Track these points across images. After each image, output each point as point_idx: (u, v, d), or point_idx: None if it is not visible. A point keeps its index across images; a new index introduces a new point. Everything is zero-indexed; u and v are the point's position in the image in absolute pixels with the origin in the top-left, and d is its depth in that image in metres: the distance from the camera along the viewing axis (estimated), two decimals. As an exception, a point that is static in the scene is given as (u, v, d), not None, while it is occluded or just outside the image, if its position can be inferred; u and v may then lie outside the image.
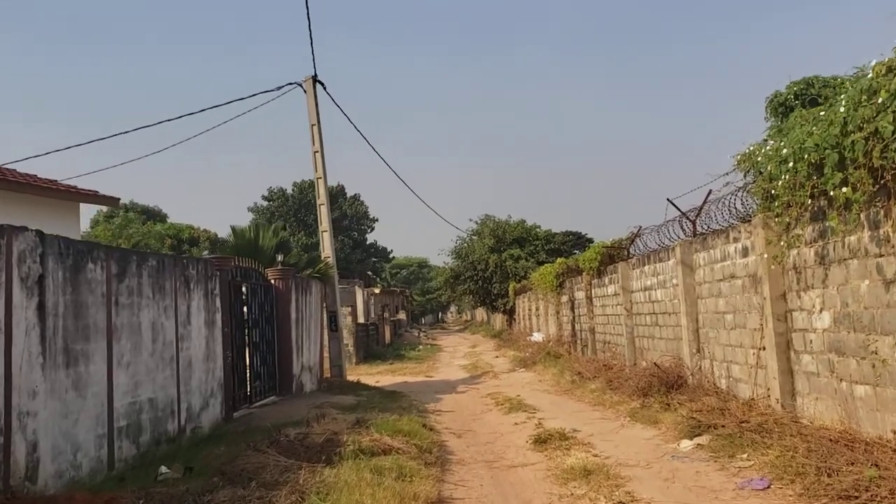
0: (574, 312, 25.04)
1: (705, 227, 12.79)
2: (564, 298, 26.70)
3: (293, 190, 74.04)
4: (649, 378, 13.40)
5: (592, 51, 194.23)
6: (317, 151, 20.35)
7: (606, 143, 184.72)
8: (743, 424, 9.12)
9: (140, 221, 57.71)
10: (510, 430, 12.23)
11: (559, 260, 27.22)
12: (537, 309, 34.73)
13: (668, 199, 13.62)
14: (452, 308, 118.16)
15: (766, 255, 9.58)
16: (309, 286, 18.41)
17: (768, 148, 8.82)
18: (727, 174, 10.62)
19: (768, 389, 9.98)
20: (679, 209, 13.54)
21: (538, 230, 49.73)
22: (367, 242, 77.76)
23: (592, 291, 21.94)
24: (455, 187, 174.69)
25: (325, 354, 20.72)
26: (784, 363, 9.53)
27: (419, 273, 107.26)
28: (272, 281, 16.51)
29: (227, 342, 12.77)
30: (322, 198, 20.41)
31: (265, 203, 74.21)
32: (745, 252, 10.86)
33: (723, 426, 9.34)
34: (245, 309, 14.84)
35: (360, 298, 45.25)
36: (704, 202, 12.91)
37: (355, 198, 74.64)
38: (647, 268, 16.26)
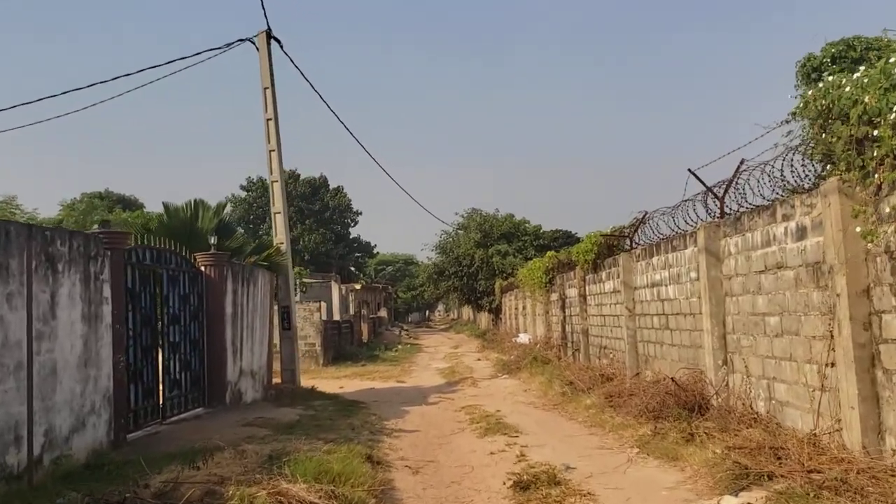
0: (565, 312, 22.26)
1: (738, 205, 10.01)
2: (554, 296, 23.93)
3: (274, 180, 70.99)
4: (662, 396, 10.60)
5: (583, 50, 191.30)
6: (270, 119, 17.45)
7: (599, 143, 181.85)
8: (813, 476, 6.31)
9: (107, 209, 54.64)
10: (484, 461, 9.40)
11: (549, 253, 24.45)
12: (524, 308, 31.96)
13: (689, 171, 10.83)
14: (440, 306, 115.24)
15: (844, 234, 6.79)
16: (253, 276, 15.51)
17: (860, 73, 6.02)
18: (786, 122, 7.83)
19: (839, 422, 7.19)
20: (703, 182, 10.74)
21: (527, 225, 47.03)
22: (351, 237, 74.81)
23: (587, 288, 19.16)
24: (444, 186, 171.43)
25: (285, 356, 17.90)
26: (867, 387, 6.74)
27: (405, 270, 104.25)
28: (202, 268, 13.60)
29: (119, 342, 9.87)
30: (275, 174, 17.52)
31: (244, 193, 71.10)
32: (801, 233, 8.07)
33: (782, 476, 6.52)
34: (160, 301, 11.96)
35: (336, 294, 42.44)
36: (736, 173, 10.13)
37: (338, 190, 71.62)
38: (655, 259, 13.47)
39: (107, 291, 9.64)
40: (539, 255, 31.30)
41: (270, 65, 17.45)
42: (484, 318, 51.87)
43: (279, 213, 17.53)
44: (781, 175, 8.25)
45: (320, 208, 69.66)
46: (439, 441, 11.02)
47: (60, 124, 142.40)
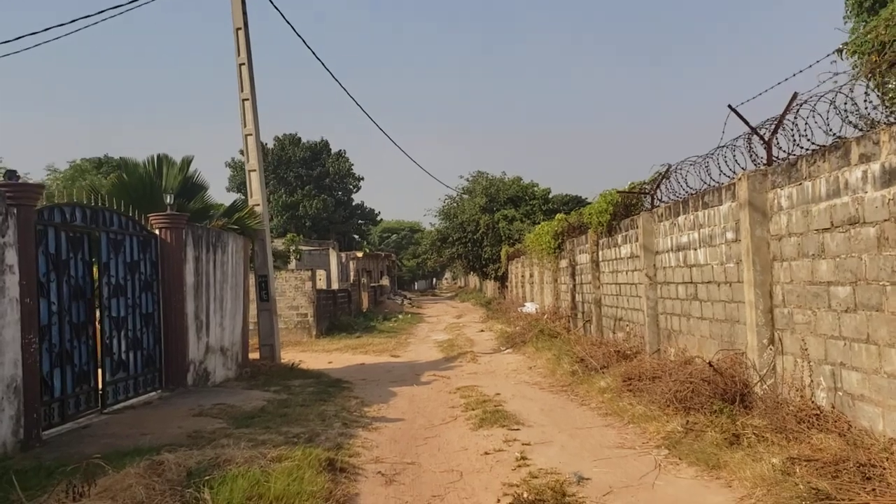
0: (575, 280, 20.43)
1: (790, 148, 8.07)
2: (563, 263, 22.07)
3: (274, 144, 68.86)
4: (694, 382, 8.76)
5: (593, 16, 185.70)
6: (243, 64, 15.49)
7: (611, 106, 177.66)
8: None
9: (104, 175, 52.67)
10: (476, 465, 7.61)
11: (558, 216, 22.51)
12: (531, 276, 30.14)
13: (729, 107, 8.83)
14: (447, 274, 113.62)
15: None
16: (222, 241, 13.68)
17: None
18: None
19: (948, 429, 5.34)
20: (746, 121, 8.76)
21: (535, 189, 44.99)
22: (353, 203, 72.84)
23: (600, 254, 17.28)
24: (450, 152, 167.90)
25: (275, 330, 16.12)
26: None
27: (411, 237, 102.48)
28: (156, 231, 11.79)
29: (30, 320, 8.07)
30: (249, 126, 15.59)
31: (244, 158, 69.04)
32: (889, 178, 6.14)
33: (882, 511, 4.70)
34: (100, 269, 10.17)
35: (335, 262, 40.72)
36: (788, 109, 8.19)
37: (339, 154, 69.50)
38: (682, 219, 11.57)
39: (11, 258, 7.82)
40: (548, 220, 29.43)
41: (243, 2, 15.47)
42: (490, 287, 50.17)
43: (254, 170, 15.66)
44: (870, 94, 6.28)
45: (320, 174, 67.61)
46: (425, 434, 9.24)
47: (61, 88, 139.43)
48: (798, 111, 7.89)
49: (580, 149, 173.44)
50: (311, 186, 66.36)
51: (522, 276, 33.14)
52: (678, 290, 11.87)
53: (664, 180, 12.98)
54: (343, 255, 45.22)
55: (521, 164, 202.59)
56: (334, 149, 69.95)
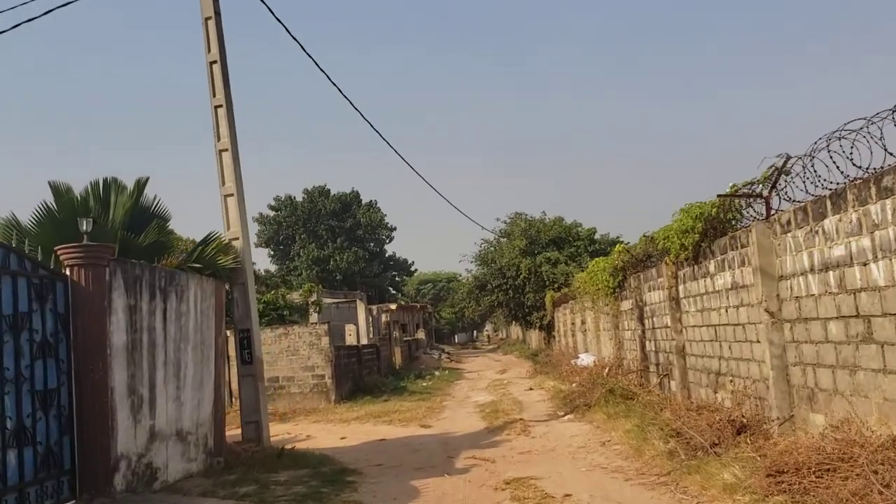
0: (644, 324, 16.49)
1: None
2: (626, 305, 18.16)
3: (303, 197, 66.31)
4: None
5: (609, 51, 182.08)
6: (214, 62, 12.15)
7: (648, 142, 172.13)
8: None
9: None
10: None
11: (618, 247, 18.62)
12: (583, 322, 26.14)
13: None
14: (488, 326, 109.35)
15: None
16: (177, 284, 10.12)
17: None
18: None
19: None
20: None
21: (579, 229, 41.26)
22: (386, 254, 69.67)
23: (681, 288, 13.36)
24: (485, 194, 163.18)
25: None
26: None
27: (448, 288, 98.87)
28: (66, 271, 8.28)
29: None
30: (224, 140, 12.14)
31: (272, 213, 66.51)
32: None
33: None
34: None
35: (363, 316, 37.12)
36: None
37: (370, 204, 66.59)
38: (830, 222, 7.70)
39: None
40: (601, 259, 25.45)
41: (213, -13, 12.25)
42: (534, 337, 46.06)
43: (231, 195, 12.12)
44: None
45: (352, 226, 64.72)
46: (456, 589, 5.39)
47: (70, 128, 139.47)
48: None
49: (614, 189, 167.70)
50: (342, 238, 63.44)
51: (572, 323, 29.14)
52: (828, 328, 7.94)
53: (782, 175, 9.19)
54: (374, 307, 41.65)
55: (558, 206, 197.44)
56: (365, 199, 67.28)
